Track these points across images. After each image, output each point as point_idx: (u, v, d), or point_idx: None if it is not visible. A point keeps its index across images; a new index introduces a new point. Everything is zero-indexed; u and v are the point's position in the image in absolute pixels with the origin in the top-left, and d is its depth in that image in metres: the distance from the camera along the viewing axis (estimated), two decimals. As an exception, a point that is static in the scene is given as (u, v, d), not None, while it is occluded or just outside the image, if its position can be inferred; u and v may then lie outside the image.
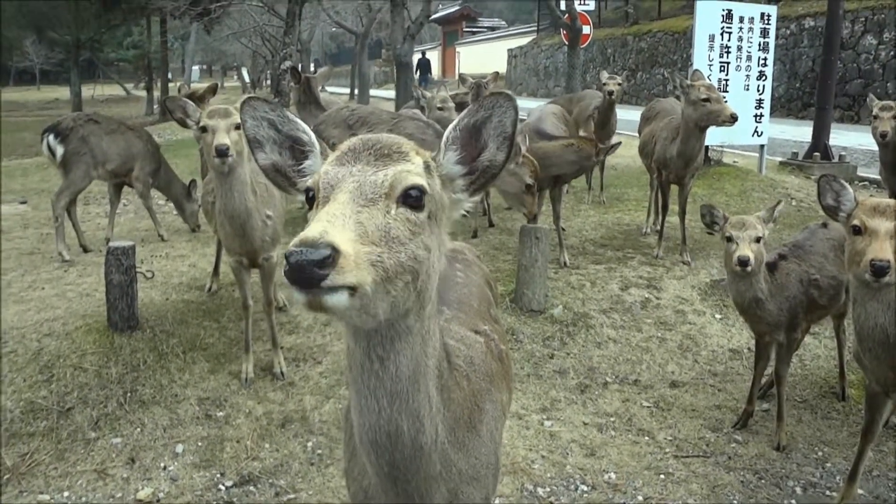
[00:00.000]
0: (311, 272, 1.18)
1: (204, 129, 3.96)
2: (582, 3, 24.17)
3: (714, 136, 8.53)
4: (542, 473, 3.78)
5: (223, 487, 3.63)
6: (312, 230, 1.23)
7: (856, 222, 2.90)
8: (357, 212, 1.33)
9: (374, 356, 1.47)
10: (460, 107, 7.87)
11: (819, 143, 10.79)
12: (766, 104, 9.83)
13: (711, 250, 6.92)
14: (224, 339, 5.05)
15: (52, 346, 4.59)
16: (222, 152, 3.81)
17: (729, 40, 9.34)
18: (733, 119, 5.93)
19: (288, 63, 15.71)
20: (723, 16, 9.26)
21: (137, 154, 7.35)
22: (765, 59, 9.62)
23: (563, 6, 15.99)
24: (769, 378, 4.51)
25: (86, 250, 7.12)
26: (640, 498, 3.64)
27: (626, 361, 5.09)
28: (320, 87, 8.67)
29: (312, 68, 31.51)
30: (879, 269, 2.74)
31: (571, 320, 5.49)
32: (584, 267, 6.46)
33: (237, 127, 3.90)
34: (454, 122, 1.58)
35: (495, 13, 60.52)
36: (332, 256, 1.19)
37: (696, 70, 7.23)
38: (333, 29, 38.76)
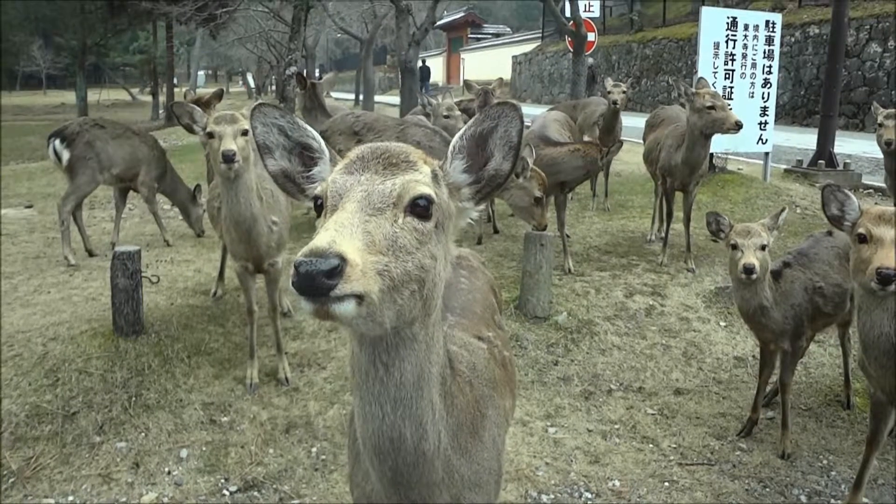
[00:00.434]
0: (320, 282, 1.19)
1: (211, 135, 3.97)
2: (587, 9, 24.25)
3: (719, 144, 8.53)
4: (547, 480, 3.78)
5: (227, 493, 3.64)
6: (321, 239, 1.24)
7: (861, 231, 2.90)
8: (365, 221, 1.34)
9: (378, 363, 1.48)
10: (465, 113, 7.89)
11: (824, 150, 10.79)
12: (771, 112, 9.83)
13: (716, 257, 6.92)
14: (229, 344, 5.06)
15: (58, 350, 4.60)
16: (229, 158, 3.82)
17: (734, 48, 9.35)
18: (738, 127, 5.93)
19: (293, 69, 15.75)
20: (727, 23, 9.28)
21: (143, 159, 7.38)
22: (769, 66, 9.62)
23: (568, 13, 16.04)
24: (774, 386, 4.51)
25: (91, 255, 7.14)
26: (645, 505, 3.64)
27: (631, 368, 5.09)
28: (325, 94, 8.70)
29: (317, 74, 31.62)
30: (885, 278, 2.73)
31: (576, 327, 5.49)
32: (589, 274, 6.47)
33: (244, 133, 3.92)
34: (461, 132, 1.59)
35: (500, 20, 60.65)
36: (341, 266, 1.20)
37: (702, 78, 7.24)
38: (339, 35, 38.82)
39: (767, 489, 3.75)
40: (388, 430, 1.52)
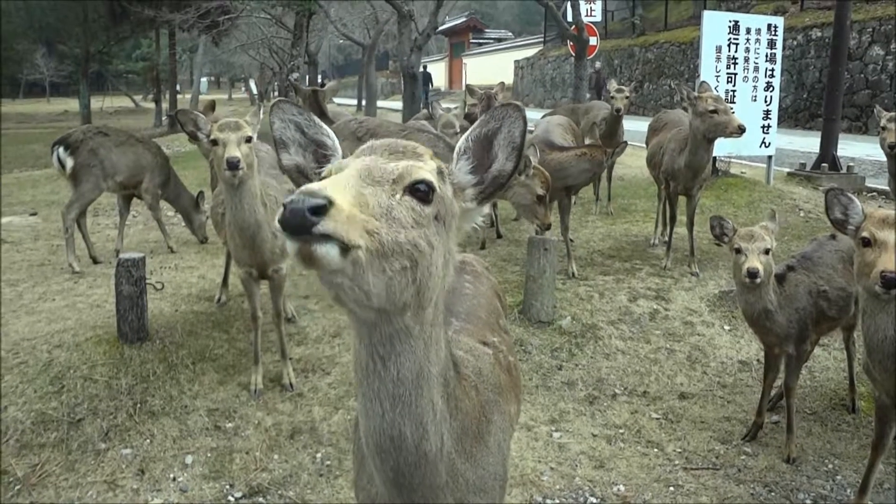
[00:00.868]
0: (304, 217, 1.20)
1: (215, 142, 3.98)
2: (588, 14, 24.28)
3: (722, 147, 8.52)
4: (551, 485, 3.78)
5: (232, 499, 3.64)
6: (312, 185, 1.26)
7: (865, 234, 2.90)
8: (361, 186, 1.35)
9: (376, 356, 1.48)
10: (468, 118, 7.90)
11: (827, 153, 10.78)
12: (774, 115, 9.83)
13: (720, 261, 6.91)
14: (233, 350, 5.07)
15: (63, 357, 4.61)
16: (233, 165, 3.83)
17: (736, 51, 9.36)
18: (741, 130, 5.93)
19: (296, 75, 15.77)
20: (730, 27, 9.29)
21: (147, 166, 7.40)
22: (772, 70, 9.63)
23: (569, 17, 16.05)
24: (779, 390, 4.50)
25: (96, 262, 7.16)
26: (650, 510, 3.64)
27: (635, 373, 5.09)
28: (328, 101, 8.72)
29: (320, 80, 31.67)
30: (890, 281, 2.73)
31: (580, 331, 5.49)
32: (593, 278, 6.47)
33: (247, 140, 3.93)
34: (466, 133, 1.61)
35: (502, 24, 60.70)
36: (327, 206, 1.22)
37: (704, 82, 7.23)
38: (341, 41, 38.96)
39: (773, 493, 3.75)
40: (389, 428, 1.52)
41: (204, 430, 4.20)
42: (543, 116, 9.16)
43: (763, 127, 9.73)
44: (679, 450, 4.17)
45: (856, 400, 4.60)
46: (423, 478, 1.60)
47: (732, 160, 10.99)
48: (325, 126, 1.72)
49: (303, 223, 1.20)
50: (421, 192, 1.41)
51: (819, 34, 19.80)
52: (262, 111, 4.19)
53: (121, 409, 4.27)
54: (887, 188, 8.32)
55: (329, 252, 1.23)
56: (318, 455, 3.99)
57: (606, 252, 7.34)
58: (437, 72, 50.80)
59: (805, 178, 10.70)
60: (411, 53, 14.13)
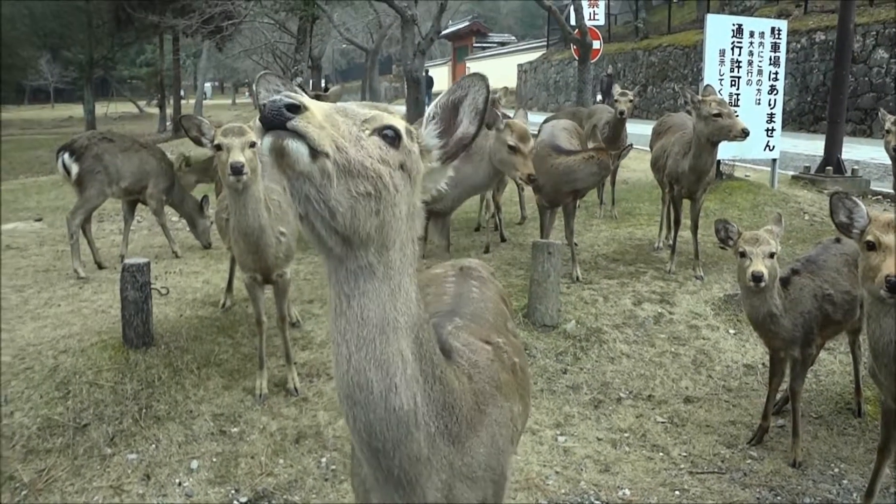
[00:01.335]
0: (280, 111, 1.34)
1: (218, 148, 3.99)
2: (592, 18, 24.29)
3: (726, 151, 8.52)
4: (557, 489, 3.78)
5: (238, 503, 3.64)
6: (292, 93, 1.41)
7: (869, 238, 2.89)
8: (335, 113, 1.48)
9: (342, 295, 1.55)
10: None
11: (831, 156, 10.77)
12: (778, 118, 9.83)
13: (724, 265, 6.91)
14: (238, 354, 5.07)
15: (68, 362, 4.62)
16: (237, 170, 3.84)
17: (739, 55, 9.36)
18: (745, 134, 5.92)
19: (299, 79, 15.80)
20: (733, 30, 9.30)
21: (151, 171, 7.42)
22: (776, 73, 9.63)
23: (573, 21, 16.06)
24: (784, 394, 4.49)
25: (101, 267, 7.18)
26: (656, 514, 3.63)
27: (640, 377, 5.08)
28: (332, 105, 8.74)
29: (323, 84, 31.72)
30: (895, 286, 2.73)
31: (584, 335, 5.49)
32: (597, 282, 6.46)
33: (251, 145, 3.94)
34: (436, 101, 1.74)
35: (505, 28, 60.80)
36: (302, 108, 1.36)
37: (708, 85, 7.22)
38: (344, 45, 38.95)
39: (778, 497, 3.74)
40: (355, 374, 1.56)
41: (209, 434, 4.20)
42: (545, 121, 9.15)
43: (767, 130, 9.72)
44: (684, 454, 4.16)
45: (862, 404, 4.59)
46: (397, 442, 1.62)
47: (737, 163, 10.99)
48: (306, 96, 1.84)
49: (278, 117, 1.34)
50: (389, 136, 1.52)
51: (823, 37, 19.80)
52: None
53: (126, 414, 4.27)
54: (892, 191, 8.32)
55: (299, 149, 1.36)
56: (323, 459, 3.99)
57: (611, 256, 7.33)
58: (441, 76, 50.88)
59: (809, 181, 10.68)
60: (415, 58, 14.14)
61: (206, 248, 7.97)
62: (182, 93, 36.71)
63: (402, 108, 21.28)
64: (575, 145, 6.62)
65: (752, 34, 9.40)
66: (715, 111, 5.96)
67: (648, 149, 8.24)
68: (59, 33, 32.75)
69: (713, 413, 4.63)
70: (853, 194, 3.08)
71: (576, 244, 6.83)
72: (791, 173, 11.27)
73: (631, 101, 8.41)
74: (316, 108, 1.41)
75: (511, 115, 5.62)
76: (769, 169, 10.39)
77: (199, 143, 4.16)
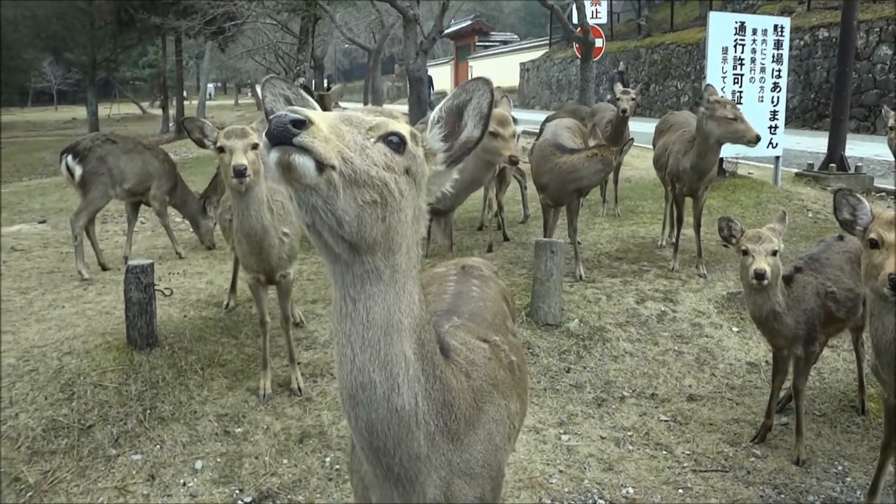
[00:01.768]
0: (286, 127, 1.35)
1: (221, 150, 3.99)
2: (594, 16, 24.27)
3: (729, 149, 8.46)
4: (560, 488, 3.78)
5: (242, 503, 3.65)
6: (297, 107, 1.42)
7: (873, 236, 2.88)
8: (340, 122, 1.49)
9: (347, 298, 1.56)
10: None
11: (835, 154, 10.75)
12: (781, 116, 9.81)
13: (727, 263, 6.90)
14: (242, 355, 5.09)
15: (73, 364, 4.64)
16: (240, 172, 3.85)
17: (742, 52, 9.35)
18: (757, 140, 5.91)
19: (302, 80, 15.81)
20: (736, 28, 9.28)
21: (154, 173, 7.45)
22: (779, 70, 9.61)
23: (575, 20, 16.06)
24: (787, 391, 4.49)
25: (105, 268, 7.20)
26: (659, 513, 3.63)
27: (643, 375, 5.08)
28: (334, 104, 8.75)
29: (326, 84, 31.76)
30: None
31: (587, 334, 5.49)
32: (600, 280, 6.46)
33: (254, 147, 3.94)
34: (440, 104, 1.75)
35: (508, 27, 60.73)
36: (307, 123, 1.37)
37: (709, 85, 7.19)
38: (346, 45, 38.99)
39: (782, 495, 3.74)
40: (359, 374, 1.57)
41: (213, 435, 4.21)
42: (546, 120, 9.15)
43: (770, 127, 9.71)
44: (688, 452, 4.16)
45: (865, 401, 4.58)
46: (398, 441, 1.63)
47: (740, 161, 10.97)
48: (311, 100, 1.85)
49: (284, 133, 1.35)
50: (394, 143, 1.53)
51: (826, 34, 19.76)
52: (268, 117, 4.20)
53: (131, 415, 4.29)
54: (895, 188, 8.31)
55: (306, 164, 1.37)
56: (328, 459, 4.00)
57: (614, 254, 7.33)
58: (444, 75, 50.89)
59: (813, 178, 10.66)
60: (417, 57, 14.15)
61: (209, 248, 7.99)
62: (185, 94, 36.75)
63: (405, 108, 21.30)
64: (578, 144, 6.61)
65: (754, 32, 9.38)
66: (731, 115, 5.93)
67: (652, 146, 8.24)
68: (62, 35, 32.78)
69: (716, 411, 4.63)
70: (857, 191, 3.07)
71: (579, 242, 6.83)
72: (794, 171, 11.25)
73: (633, 99, 8.40)
74: (321, 120, 1.42)
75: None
76: (772, 166, 10.38)
77: (201, 145, 4.17)
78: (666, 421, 4.52)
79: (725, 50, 9.26)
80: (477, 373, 1.96)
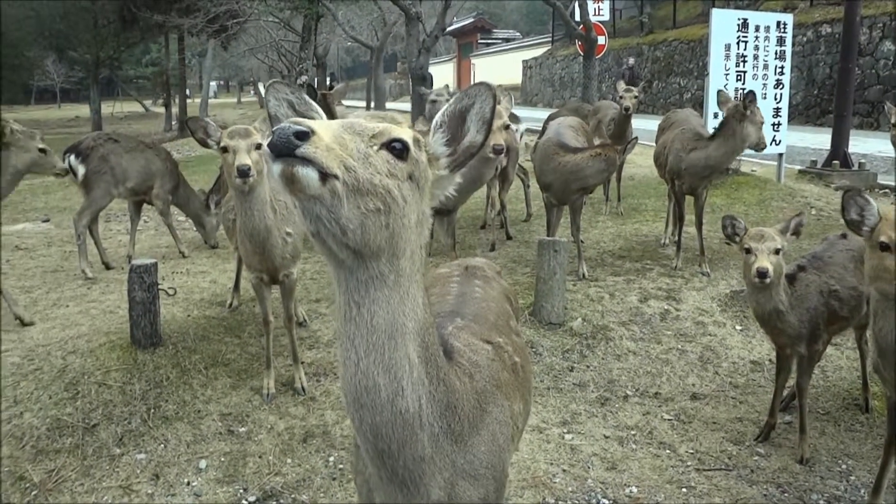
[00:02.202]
0: (288, 139, 1.36)
1: (225, 150, 3.99)
2: (597, 13, 24.24)
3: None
4: (564, 487, 3.78)
5: (246, 502, 3.66)
6: (299, 118, 1.46)
7: (884, 239, 2.86)
8: (343, 131, 1.49)
9: (352, 302, 1.56)
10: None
11: (838, 150, 10.72)
12: (784, 112, 9.79)
13: (731, 261, 6.89)
14: (245, 354, 5.10)
15: (77, 363, 4.65)
16: (244, 172, 3.85)
17: (745, 49, 9.33)
18: (764, 147, 6.28)
19: (304, 78, 15.81)
20: (738, 25, 9.27)
21: (157, 172, 7.46)
22: (781, 67, 9.59)
23: (577, 17, 16.04)
24: (791, 390, 4.49)
25: (108, 267, 7.21)
26: (663, 512, 3.63)
27: (647, 374, 5.08)
28: (337, 103, 8.75)
29: (328, 82, 31.75)
30: None
31: (591, 333, 5.49)
32: (603, 279, 6.46)
33: (257, 147, 3.94)
34: (443, 109, 1.75)
35: (510, 24, 60.66)
36: (310, 134, 1.38)
37: (751, 91, 7.16)
38: (349, 43, 39.01)
39: (786, 494, 3.74)
40: (363, 378, 1.58)
41: (217, 434, 4.22)
42: (548, 118, 9.13)
43: (773, 124, 9.68)
44: (691, 451, 4.16)
45: (869, 399, 4.58)
46: (403, 443, 1.64)
47: (743, 158, 10.94)
48: (314, 104, 1.86)
49: (287, 145, 1.36)
50: (397, 149, 1.54)
51: (829, 30, 19.70)
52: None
53: (135, 414, 4.30)
54: (899, 185, 8.29)
55: (309, 174, 1.38)
56: (331, 458, 4.01)
57: (617, 253, 7.33)
58: (446, 73, 50.82)
59: (816, 175, 10.64)
60: (419, 55, 14.16)
61: (212, 248, 8.00)
62: (188, 92, 36.72)
63: (407, 106, 21.29)
64: (581, 142, 6.60)
65: (757, 28, 9.36)
66: (762, 120, 6.11)
67: (654, 144, 8.23)
68: (65, 34, 32.79)
69: (720, 410, 4.63)
70: (864, 191, 3.06)
71: (582, 241, 6.83)
72: (798, 167, 11.24)
73: (636, 96, 8.39)
74: (323, 129, 1.43)
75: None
76: (775, 163, 10.35)
77: (205, 144, 4.17)
78: (669, 420, 4.52)
79: (728, 47, 9.25)
80: (480, 374, 1.96)
